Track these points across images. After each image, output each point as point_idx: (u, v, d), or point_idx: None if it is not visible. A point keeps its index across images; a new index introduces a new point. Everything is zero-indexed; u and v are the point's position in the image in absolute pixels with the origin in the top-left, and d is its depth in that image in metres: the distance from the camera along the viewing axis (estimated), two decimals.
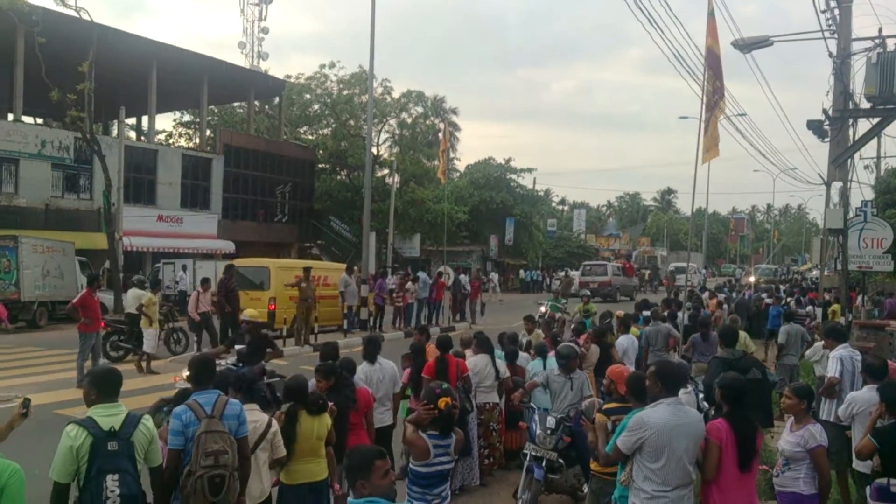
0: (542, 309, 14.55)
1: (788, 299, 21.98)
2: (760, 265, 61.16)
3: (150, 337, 13.88)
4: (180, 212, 32.65)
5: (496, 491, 7.83)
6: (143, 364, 13.72)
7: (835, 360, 7.48)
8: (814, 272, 50.92)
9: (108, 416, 3.98)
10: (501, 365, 8.29)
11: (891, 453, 4.95)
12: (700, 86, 11.63)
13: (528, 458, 6.71)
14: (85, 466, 3.85)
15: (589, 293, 14.57)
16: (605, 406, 5.52)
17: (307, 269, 17.53)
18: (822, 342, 8.91)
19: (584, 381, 7.23)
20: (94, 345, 12.76)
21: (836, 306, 15.74)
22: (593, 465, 5.52)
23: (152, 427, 4.22)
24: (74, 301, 13.25)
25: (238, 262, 19.39)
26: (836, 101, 15.97)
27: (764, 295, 22.06)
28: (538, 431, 6.71)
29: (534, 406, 7.26)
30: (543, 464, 6.57)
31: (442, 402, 4.36)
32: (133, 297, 14.56)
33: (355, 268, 19.97)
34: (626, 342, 10.57)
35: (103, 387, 4.10)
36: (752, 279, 38.97)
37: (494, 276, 38.28)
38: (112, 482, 3.83)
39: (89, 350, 12.64)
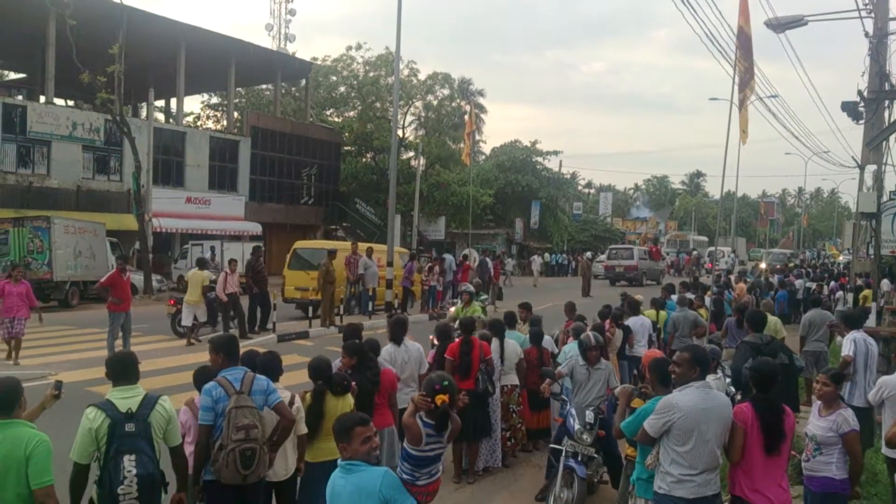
0: (452, 310, 13.36)
1: (819, 284, 21.66)
2: (773, 250, 59.32)
3: (201, 313, 15.02)
4: (208, 193, 32.99)
5: (519, 473, 7.86)
6: (194, 338, 14.71)
7: (849, 342, 7.78)
8: (840, 258, 49.96)
9: (126, 399, 4.10)
10: (512, 346, 8.18)
11: None
12: (732, 66, 11.44)
13: (563, 455, 6.36)
14: (104, 448, 3.96)
15: (472, 290, 12.75)
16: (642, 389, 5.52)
17: (332, 252, 17.68)
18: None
19: (609, 372, 7.05)
20: (123, 324, 12.92)
21: (867, 291, 15.47)
22: (629, 451, 5.43)
23: (170, 408, 4.30)
24: (103, 281, 13.43)
25: (299, 245, 20.89)
26: (872, 82, 15.61)
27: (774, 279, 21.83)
28: (577, 427, 6.34)
29: (566, 398, 6.94)
30: (580, 458, 6.27)
31: (439, 400, 4.32)
32: (199, 278, 15.09)
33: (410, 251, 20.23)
34: (636, 323, 10.53)
35: (119, 372, 4.22)
36: (763, 265, 37.30)
37: (510, 262, 38.08)
38: (129, 462, 3.95)
39: (118, 329, 12.83)
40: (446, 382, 4.51)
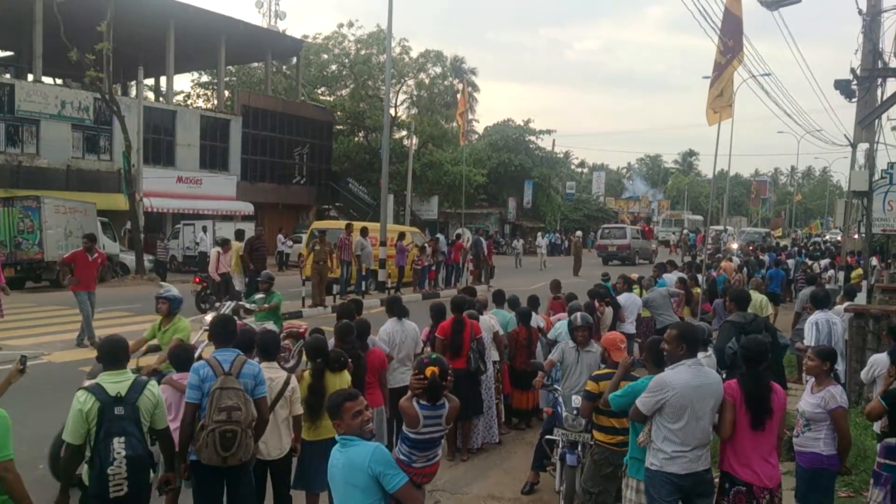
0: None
1: (809, 262, 21.78)
2: (746, 229, 57.76)
3: (238, 282, 15.68)
4: (199, 173, 32.78)
5: (512, 450, 7.93)
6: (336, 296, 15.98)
7: (811, 326, 7.88)
8: (827, 236, 49.97)
9: (115, 383, 4.21)
10: (487, 321, 8.13)
11: None
12: (717, 45, 11.40)
13: (560, 445, 6.22)
14: (94, 430, 4.09)
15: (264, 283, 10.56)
16: (596, 372, 5.54)
17: (322, 232, 17.61)
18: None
19: (596, 355, 6.67)
20: (86, 304, 12.26)
21: (859, 270, 15.57)
22: (597, 435, 5.43)
23: (157, 392, 4.39)
24: (66, 256, 12.98)
25: (316, 225, 22.28)
26: (865, 59, 15.58)
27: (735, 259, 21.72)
28: (564, 413, 6.17)
29: (557, 388, 6.70)
30: (578, 448, 6.07)
31: (428, 371, 4.30)
32: (237, 248, 15.69)
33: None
34: (626, 300, 10.61)
35: (110, 357, 4.33)
36: (734, 245, 34.57)
37: (519, 243, 36.70)
38: (119, 444, 4.07)
39: (89, 309, 12.29)
40: (434, 356, 4.59)
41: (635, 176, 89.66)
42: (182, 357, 5.51)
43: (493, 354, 8.11)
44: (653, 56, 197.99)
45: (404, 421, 4.40)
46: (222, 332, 4.92)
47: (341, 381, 5.45)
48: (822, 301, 8.31)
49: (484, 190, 46.41)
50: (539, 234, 41.24)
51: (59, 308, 16.43)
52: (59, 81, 32.63)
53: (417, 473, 4.33)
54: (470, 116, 52.38)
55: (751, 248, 29.84)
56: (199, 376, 4.62)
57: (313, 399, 5.26)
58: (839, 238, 47.75)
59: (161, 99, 36.77)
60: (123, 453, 4.06)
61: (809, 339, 7.72)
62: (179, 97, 44.36)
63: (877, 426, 5.73)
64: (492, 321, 8.24)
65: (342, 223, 21.22)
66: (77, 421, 4.07)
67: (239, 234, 16.86)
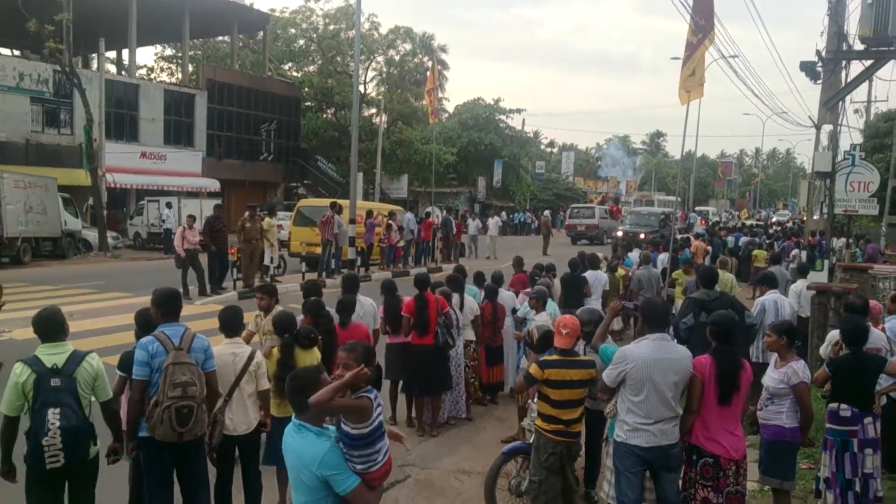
0: None
1: (769, 242, 22.19)
2: (637, 209, 55.42)
3: (268, 254, 16.46)
4: (164, 149, 32.15)
5: (481, 426, 7.98)
6: (265, 277, 16.14)
7: (758, 306, 8.19)
8: (774, 218, 50.50)
9: (52, 355, 4.21)
10: (470, 302, 8.24)
11: (840, 381, 5.25)
12: (689, 24, 11.46)
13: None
14: (31, 401, 4.11)
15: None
16: (544, 358, 5.08)
17: (252, 207, 16.61)
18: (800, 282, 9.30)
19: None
20: None
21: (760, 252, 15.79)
22: (538, 422, 5.10)
23: (97, 364, 4.36)
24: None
25: (302, 203, 22.44)
26: (830, 42, 15.81)
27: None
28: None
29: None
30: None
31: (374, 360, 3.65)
32: (269, 224, 16.40)
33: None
34: (591, 277, 10.76)
35: (46, 330, 4.31)
36: (618, 233, 31.07)
37: (472, 224, 29.28)
38: (53, 415, 4.09)
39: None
40: (360, 347, 3.64)
41: (613, 146, 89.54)
42: (229, 321, 5.21)
43: (468, 334, 8.15)
44: (623, 36, 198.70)
45: (352, 420, 3.38)
46: (168, 307, 4.76)
47: (311, 357, 5.41)
48: (772, 281, 8.62)
49: (454, 169, 46.34)
50: (492, 214, 36.28)
51: (21, 285, 16.07)
52: (16, 53, 31.68)
53: (372, 478, 3.44)
54: (440, 94, 52.12)
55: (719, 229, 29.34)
56: (147, 352, 4.48)
57: (284, 374, 5.19)
58: (787, 219, 48.19)
59: (123, 72, 35.90)
60: (58, 424, 4.08)
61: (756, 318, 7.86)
62: (143, 71, 43.34)
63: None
64: (474, 305, 8.28)
65: (326, 201, 21.03)
66: (13, 392, 4.09)
67: (271, 210, 17.86)
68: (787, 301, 8.54)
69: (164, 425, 4.37)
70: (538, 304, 7.85)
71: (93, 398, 4.39)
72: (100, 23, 29.65)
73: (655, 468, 4.62)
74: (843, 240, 19.54)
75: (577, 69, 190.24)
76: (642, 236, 25.41)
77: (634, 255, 14.00)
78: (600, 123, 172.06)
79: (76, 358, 4.25)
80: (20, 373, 4.11)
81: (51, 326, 4.32)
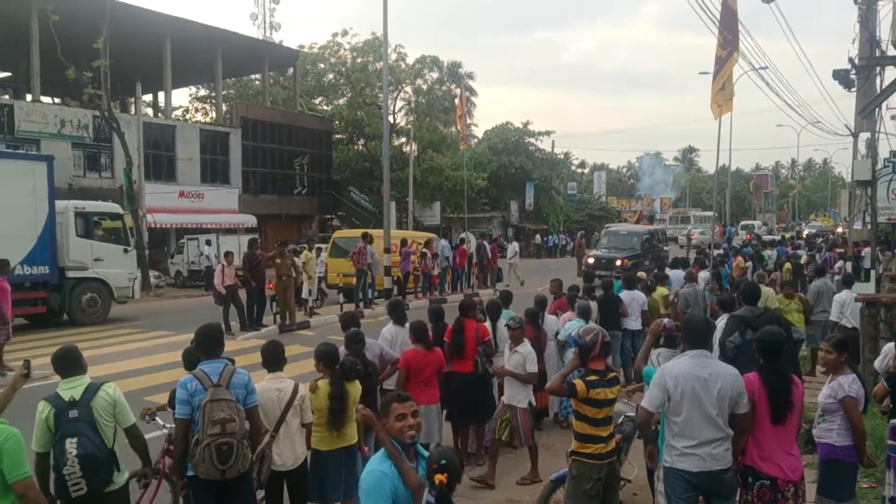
0: None
1: (811, 254, 21.73)
2: (614, 226, 53.07)
3: (306, 287, 17.11)
4: (201, 187, 32.81)
5: (526, 454, 7.85)
6: (308, 309, 17.12)
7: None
8: (805, 231, 49.42)
9: (69, 389, 4.35)
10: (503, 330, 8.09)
11: None
12: (718, 39, 11.41)
13: None
14: (54, 435, 4.25)
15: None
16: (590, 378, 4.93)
17: (283, 243, 16.52)
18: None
19: (525, 355, 6.94)
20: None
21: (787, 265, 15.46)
22: (575, 446, 4.96)
23: (114, 392, 4.44)
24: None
25: (338, 235, 22.84)
26: (863, 48, 15.55)
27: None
28: None
29: None
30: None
31: (436, 479, 3.36)
32: (307, 258, 17.32)
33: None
34: (628, 297, 10.71)
35: (63, 367, 4.44)
36: (590, 259, 25.53)
37: (515, 245, 28.39)
38: (70, 445, 4.18)
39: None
40: (444, 461, 3.47)
41: (645, 162, 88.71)
42: (271, 356, 5.29)
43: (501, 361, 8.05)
44: (650, 54, 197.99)
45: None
46: (207, 344, 4.81)
47: (354, 389, 5.41)
48: (730, 305, 7.99)
49: (485, 193, 46.40)
50: (510, 238, 35.98)
51: (64, 329, 16.44)
52: (57, 100, 32.70)
53: None
54: (469, 121, 52.41)
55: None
56: (187, 391, 4.53)
57: (337, 405, 5.20)
58: (816, 231, 46.87)
59: (160, 114, 36.81)
60: (74, 452, 4.15)
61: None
62: (178, 112, 44.47)
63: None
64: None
65: (357, 232, 21.45)
66: (39, 429, 4.24)
67: (310, 243, 18.91)
68: None
69: (206, 463, 4.39)
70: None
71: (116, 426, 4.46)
72: (136, 67, 30.59)
73: (707, 494, 4.47)
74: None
75: (605, 89, 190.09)
76: (619, 263, 21.95)
77: (677, 273, 13.76)
78: (630, 142, 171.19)
79: (92, 388, 4.37)
80: (42, 409, 4.26)
81: (67, 363, 4.45)
